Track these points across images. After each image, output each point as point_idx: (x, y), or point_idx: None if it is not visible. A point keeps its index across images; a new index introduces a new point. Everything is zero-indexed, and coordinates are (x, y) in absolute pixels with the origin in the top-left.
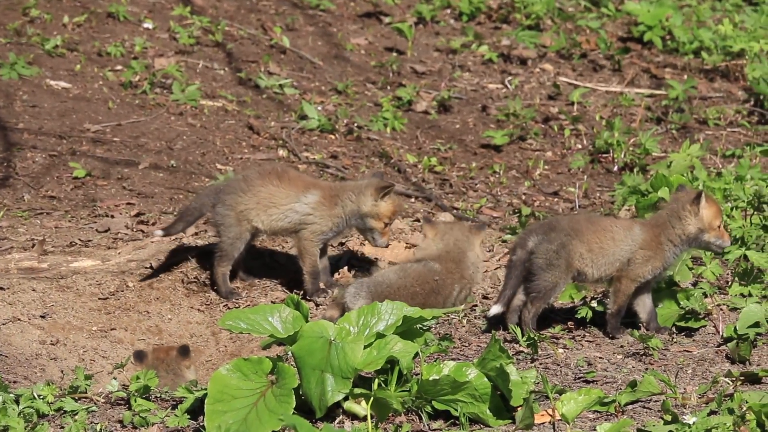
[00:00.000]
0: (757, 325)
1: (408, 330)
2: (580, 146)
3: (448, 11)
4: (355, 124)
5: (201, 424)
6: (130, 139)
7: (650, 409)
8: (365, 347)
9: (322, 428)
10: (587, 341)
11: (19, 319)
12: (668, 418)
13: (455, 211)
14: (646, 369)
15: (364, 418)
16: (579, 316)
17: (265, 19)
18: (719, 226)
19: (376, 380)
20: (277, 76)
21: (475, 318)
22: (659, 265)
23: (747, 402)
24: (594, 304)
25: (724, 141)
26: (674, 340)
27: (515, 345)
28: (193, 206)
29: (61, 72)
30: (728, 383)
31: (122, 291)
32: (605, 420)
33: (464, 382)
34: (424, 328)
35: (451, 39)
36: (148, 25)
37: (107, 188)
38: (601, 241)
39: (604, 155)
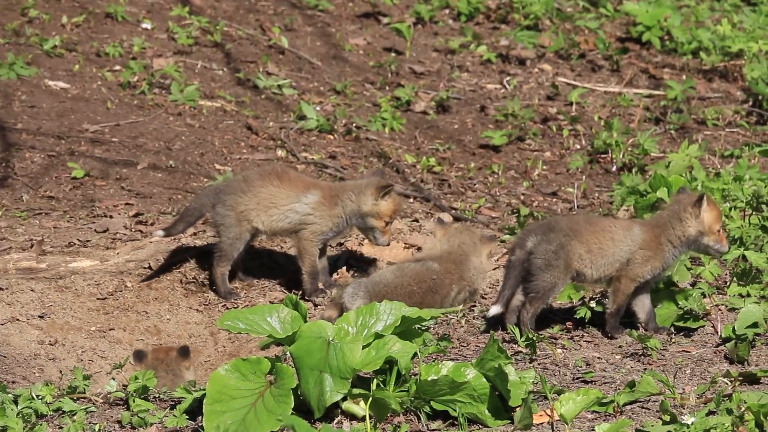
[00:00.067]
0: (755, 325)
1: (406, 330)
2: (578, 146)
3: (447, 11)
4: (354, 125)
5: (199, 424)
6: (128, 139)
7: (649, 409)
8: (364, 347)
9: (321, 428)
10: (586, 341)
11: (17, 320)
12: (667, 418)
13: (454, 211)
14: (645, 369)
15: (363, 419)
16: (577, 317)
17: (264, 19)
18: (719, 231)
19: (375, 380)
20: (275, 77)
21: (474, 318)
22: (658, 266)
23: (745, 402)
24: (593, 304)
25: (723, 141)
26: (673, 340)
27: (514, 345)
28: (193, 206)
29: (60, 72)
30: (727, 383)
31: (121, 291)
32: (604, 420)
33: (463, 383)
34: (423, 328)
35: (450, 39)
36: (147, 25)
37: (106, 188)
38: (600, 241)
39: (603, 155)
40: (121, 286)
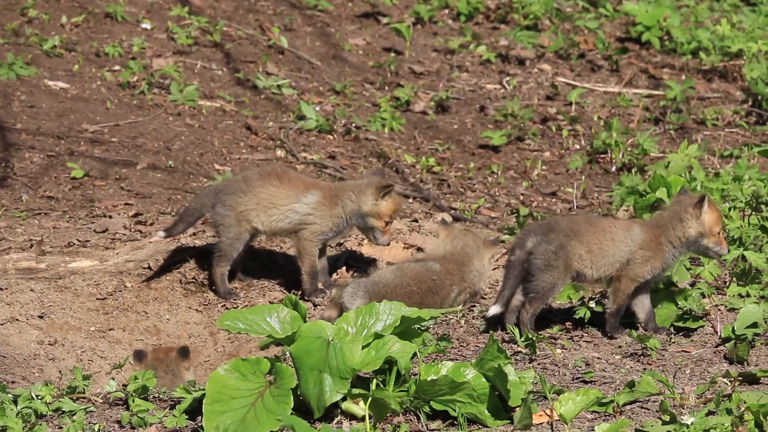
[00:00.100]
0: (755, 325)
1: (406, 330)
2: (578, 146)
3: (446, 11)
4: (353, 125)
5: (199, 424)
6: (128, 139)
7: (648, 409)
8: (363, 347)
9: (320, 429)
10: (585, 341)
11: (17, 320)
12: (666, 418)
13: (453, 211)
14: (644, 369)
15: (363, 419)
16: (577, 317)
17: (263, 19)
18: (719, 233)
19: (374, 380)
20: (275, 77)
21: (473, 318)
22: (658, 266)
23: (745, 402)
24: (592, 304)
25: (722, 141)
26: (672, 340)
27: (513, 345)
28: (193, 207)
29: (59, 72)
30: (726, 383)
31: (120, 291)
32: (603, 420)
33: (462, 383)
34: (422, 328)
35: (449, 39)
36: (146, 25)
37: (105, 188)
38: (600, 242)
39: (602, 155)
40: (120, 286)
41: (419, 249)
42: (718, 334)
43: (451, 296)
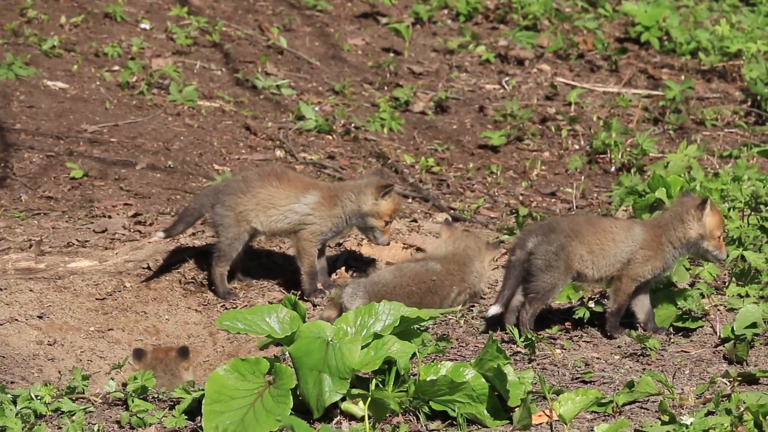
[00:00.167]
0: (754, 325)
1: (405, 330)
2: (577, 147)
3: (446, 12)
4: (353, 125)
5: (198, 424)
6: (127, 139)
7: (648, 409)
8: (363, 348)
9: (320, 429)
10: (585, 342)
11: (16, 320)
12: (666, 418)
13: (452, 211)
14: (644, 369)
15: (362, 419)
16: (576, 317)
17: (263, 19)
18: (719, 237)
19: (374, 381)
20: (274, 77)
21: (473, 318)
22: (659, 266)
23: (744, 402)
24: (592, 304)
25: (722, 141)
26: (672, 340)
27: (513, 345)
28: (192, 207)
29: (59, 72)
30: (726, 384)
31: (120, 291)
32: (603, 420)
33: (462, 383)
34: (422, 328)
35: (449, 39)
36: (145, 25)
37: (104, 189)
38: (601, 242)
39: (602, 156)
40: (119, 287)
41: (419, 249)
42: (718, 334)
43: (451, 296)
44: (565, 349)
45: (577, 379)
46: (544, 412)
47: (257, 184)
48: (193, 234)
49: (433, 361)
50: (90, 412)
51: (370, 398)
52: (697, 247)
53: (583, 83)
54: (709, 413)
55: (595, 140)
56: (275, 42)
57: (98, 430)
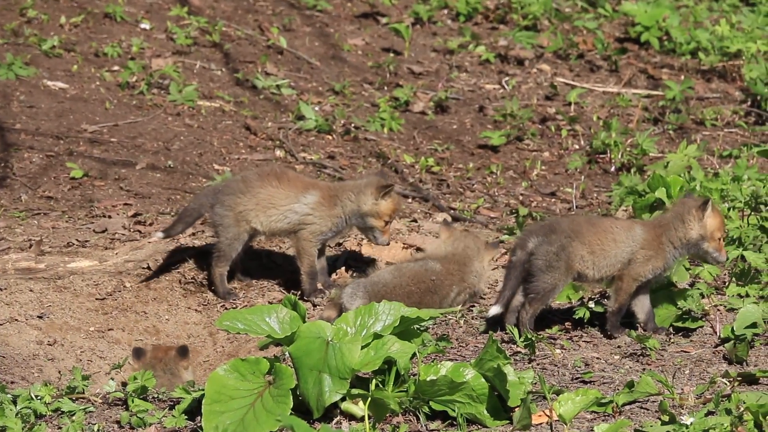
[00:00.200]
0: (754, 325)
1: (405, 330)
2: (577, 147)
3: (445, 12)
4: (353, 125)
5: (198, 424)
6: (127, 139)
7: (648, 409)
8: (362, 348)
9: (320, 429)
10: (584, 342)
11: (16, 320)
12: (666, 418)
13: (452, 211)
14: (644, 369)
15: (362, 419)
16: (576, 317)
17: (263, 19)
18: (720, 239)
19: (374, 381)
20: (274, 77)
21: (473, 318)
22: (660, 265)
23: (744, 402)
24: (592, 304)
25: (721, 141)
26: (671, 340)
27: (513, 345)
28: (191, 207)
29: (58, 72)
30: (725, 384)
31: (119, 291)
32: (603, 420)
33: (462, 383)
34: (422, 328)
35: (448, 39)
36: (145, 25)
37: (104, 189)
38: (602, 242)
39: (601, 156)
40: (119, 287)
41: (418, 249)
42: (718, 334)
43: (451, 296)
44: (565, 349)
45: (577, 379)
46: (544, 412)
47: (257, 184)
48: (193, 234)
49: (433, 361)
50: (90, 412)
51: (370, 398)
52: (697, 248)
53: (583, 83)
54: (709, 413)
55: (595, 140)
56: (275, 42)
57: (98, 430)
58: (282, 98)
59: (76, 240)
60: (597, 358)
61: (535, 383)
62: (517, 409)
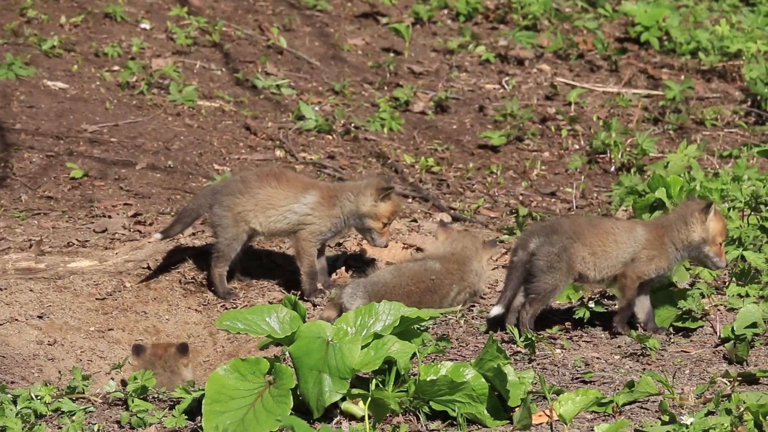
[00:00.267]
0: (754, 325)
1: (405, 330)
2: (577, 147)
3: (445, 12)
4: (353, 125)
5: (198, 424)
6: (127, 139)
7: (648, 409)
8: (363, 348)
9: (320, 429)
10: (585, 341)
11: (16, 320)
12: (666, 418)
13: (452, 211)
14: (644, 369)
15: (362, 419)
16: (576, 317)
17: (262, 19)
18: (721, 244)
19: (374, 381)
20: (274, 77)
21: (473, 318)
22: (663, 265)
23: (744, 402)
24: (592, 304)
25: (721, 141)
26: (672, 340)
27: (513, 345)
28: (190, 207)
29: (58, 72)
30: (726, 384)
31: (120, 291)
32: (603, 420)
33: (462, 383)
34: (422, 328)
35: (448, 39)
36: (145, 25)
37: (104, 189)
38: (603, 243)
39: (601, 156)
40: (119, 287)
41: (418, 249)
42: (718, 334)
43: (451, 295)
44: (565, 349)
45: (577, 379)
46: (544, 412)
47: (256, 184)
48: (193, 234)
49: (433, 361)
50: (90, 412)
51: (370, 398)
52: (698, 251)
53: (583, 83)
54: (709, 413)
55: (595, 140)
56: (275, 42)
57: (98, 430)
58: (282, 98)
59: (76, 240)
60: (597, 358)
61: (535, 383)
62: (517, 409)
